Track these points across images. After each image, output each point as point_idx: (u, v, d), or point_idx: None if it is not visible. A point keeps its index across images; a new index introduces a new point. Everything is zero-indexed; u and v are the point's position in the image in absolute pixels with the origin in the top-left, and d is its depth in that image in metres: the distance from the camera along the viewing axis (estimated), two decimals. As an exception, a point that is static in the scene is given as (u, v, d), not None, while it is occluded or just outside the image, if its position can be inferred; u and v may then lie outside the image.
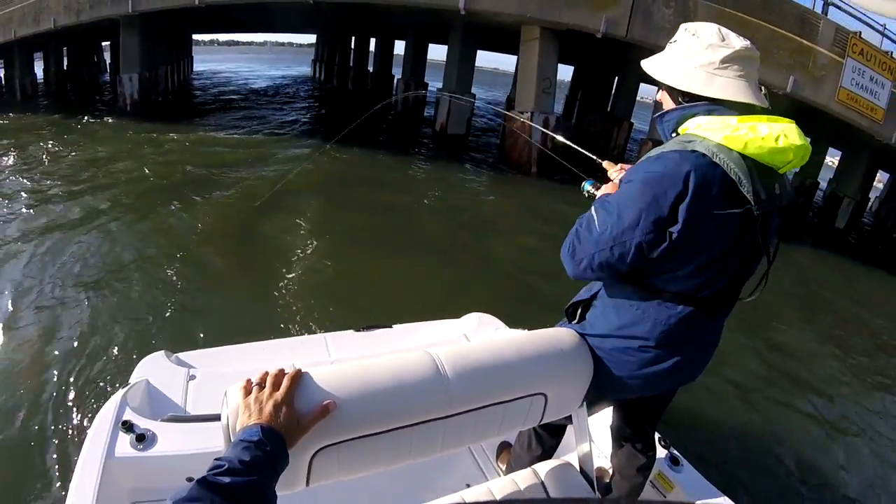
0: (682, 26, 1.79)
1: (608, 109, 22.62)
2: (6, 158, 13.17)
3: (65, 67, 29.50)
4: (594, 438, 2.21)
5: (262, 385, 1.41)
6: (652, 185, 1.65)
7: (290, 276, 7.19)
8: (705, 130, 1.65)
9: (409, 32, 24.80)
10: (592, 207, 1.82)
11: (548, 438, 2.44)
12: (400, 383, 1.57)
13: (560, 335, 1.90)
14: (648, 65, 1.85)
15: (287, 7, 19.07)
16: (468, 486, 2.52)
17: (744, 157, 1.60)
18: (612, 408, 2.28)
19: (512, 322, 3.48)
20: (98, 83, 31.61)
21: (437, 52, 22.44)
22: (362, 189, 11.94)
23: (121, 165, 12.75)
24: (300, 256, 7.94)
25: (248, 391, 1.40)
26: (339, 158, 14.04)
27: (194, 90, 31.70)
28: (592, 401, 2.00)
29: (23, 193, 10.50)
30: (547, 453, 2.45)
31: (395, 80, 26.92)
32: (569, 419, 2.12)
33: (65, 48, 29.01)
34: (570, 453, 2.41)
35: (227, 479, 1.09)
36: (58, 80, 28.12)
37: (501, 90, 37.36)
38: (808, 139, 1.65)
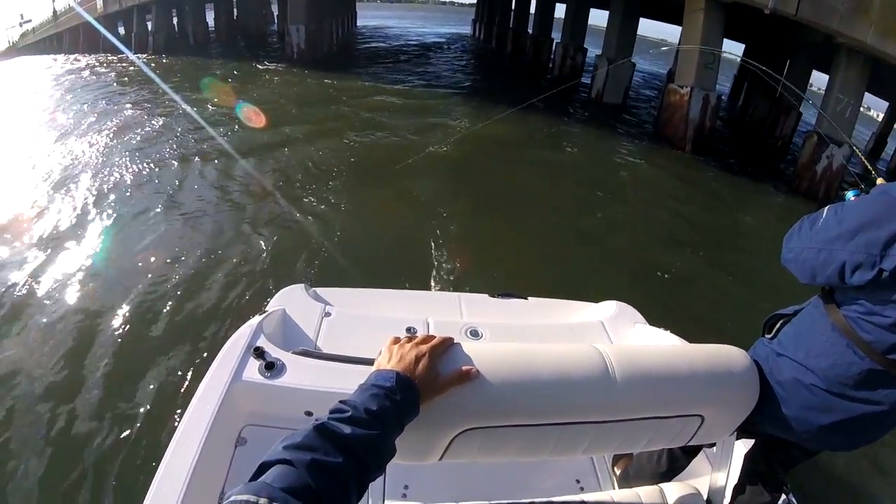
0: None
1: (777, 94, 21.15)
2: (179, 95, 14.60)
3: (234, 18, 31.64)
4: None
5: (411, 338, 1.38)
6: (881, 205, 1.51)
7: (431, 231, 7.40)
8: None
9: (572, -6, 24.20)
10: (829, 205, 1.69)
11: (680, 457, 2.29)
12: (566, 377, 1.48)
13: (732, 355, 1.75)
14: None
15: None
16: (578, 482, 2.49)
17: None
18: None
19: (651, 315, 3.29)
20: (265, 33, 33.66)
21: (599, 18, 21.84)
22: (510, 150, 12.03)
23: (287, 107, 13.66)
24: (440, 214, 8.14)
25: (396, 340, 1.37)
26: (485, 116, 14.12)
27: (357, 43, 33.14)
28: (743, 429, 1.85)
29: (196, 126, 11.55)
30: (674, 472, 2.31)
31: (554, 44, 26.48)
32: (711, 443, 2.00)
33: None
34: (696, 472, 2.32)
35: (347, 430, 1.03)
36: (228, 29, 30.26)
37: (665, 62, 35.95)
38: None
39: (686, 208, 10.74)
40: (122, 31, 28.52)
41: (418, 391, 1.25)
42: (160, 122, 12.40)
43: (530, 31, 30.98)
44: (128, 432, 3.84)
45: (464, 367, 1.37)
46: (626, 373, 1.52)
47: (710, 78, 14.66)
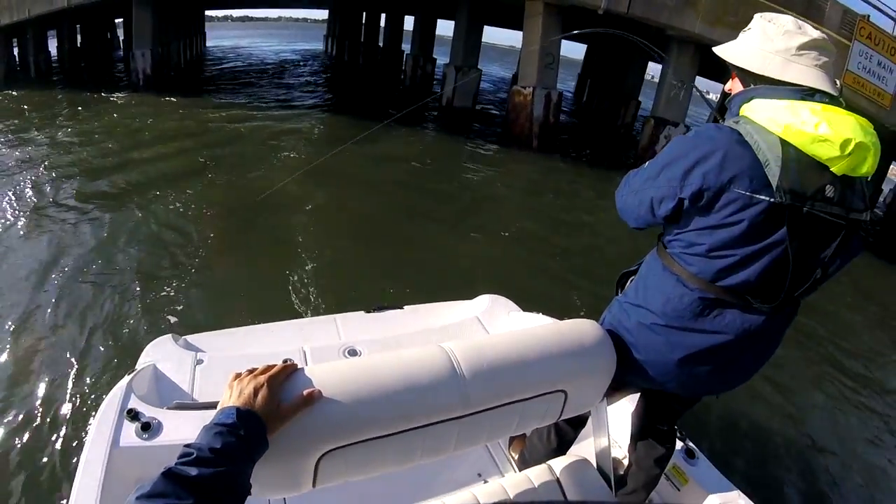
0: (757, 15, 1.73)
1: (619, 88, 22.58)
2: (17, 134, 13.28)
3: (78, 45, 30.03)
4: (613, 427, 2.15)
5: (252, 371, 1.36)
6: (679, 145, 1.66)
7: (299, 254, 7.18)
8: (753, 111, 1.60)
9: (418, 7, 24.87)
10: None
11: (568, 431, 2.37)
12: (412, 382, 1.49)
13: (582, 327, 1.81)
14: (722, 50, 1.79)
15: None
16: (480, 475, 2.54)
17: (784, 143, 1.50)
18: (634, 395, 2.25)
19: (523, 302, 3.36)
20: (112, 59, 31.94)
21: (447, 28, 22.51)
22: (368, 164, 11.92)
23: (129, 142, 12.83)
24: (307, 236, 7.95)
25: (237, 376, 1.35)
26: (344, 133, 14.08)
27: (208, 65, 31.98)
28: (614, 387, 1.90)
29: (29, 169, 10.57)
30: (565, 445, 2.38)
31: (405, 56, 26.95)
32: (586, 412, 2.06)
33: (78, 26, 29.59)
34: (586, 441, 2.36)
35: (194, 471, 1.03)
36: (72, 58, 28.57)
37: (513, 67, 37.33)
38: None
39: (538, 201, 11.24)
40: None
41: (263, 422, 1.24)
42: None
43: (381, 44, 31.39)
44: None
45: (305, 392, 1.35)
46: (473, 366, 1.55)
47: (551, 77, 15.37)
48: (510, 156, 14.75)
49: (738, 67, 1.73)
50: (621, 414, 2.34)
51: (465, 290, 3.66)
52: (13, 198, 8.95)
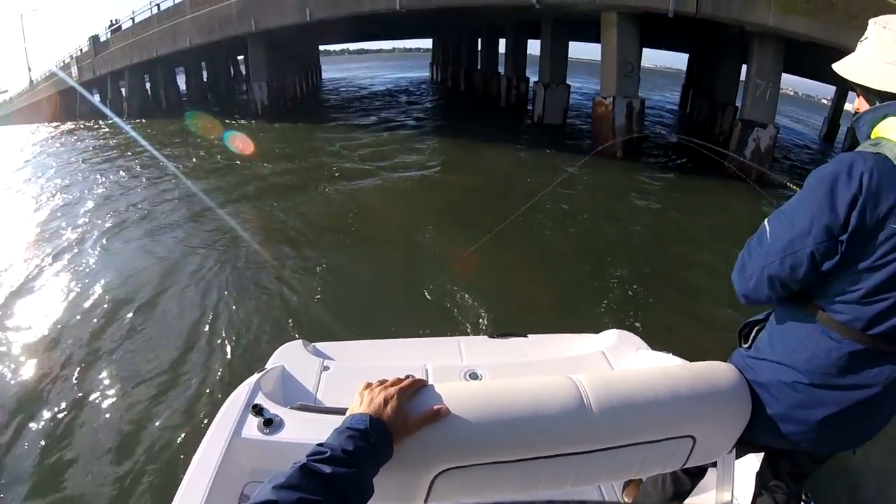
0: (872, 21, 1.57)
1: (715, 94, 22.24)
2: (147, 157, 15.76)
3: (204, 79, 33.71)
4: (736, 483, 1.99)
5: (382, 382, 1.41)
6: (823, 184, 1.47)
7: (410, 274, 7.45)
8: (890, 131, 1.46)
9: (508, 30, 25.73)
10: (766, 219, 1.64)
11: (685, 481, 2.18)
12: (539, 410, 1.47)
13: (717, 371, 1.72)
14: (840, 66, 1.64)
15: (383, 17, 20.18)
16: None
17: None
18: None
19: (653, 341, 3.17)
20: (234, 92, 35.59)
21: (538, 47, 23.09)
22: (458, 187, 12.31)
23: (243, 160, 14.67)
24: (408, 253, 8.24)
25: (367, 386, 1.40)
26: (445, 154, 15.07)
27: (323, 95, 35.09)
28: (742, 443, 1.77)
29: (164, 186, 12.52)
30: (681, 496, 2.21)
31: (501, 77, 27.80)
32: (713, 462, 1.91)
33: (203, 63, 33.46)
34: (704, 495, 2.23)
35: (328, 469, 1.08)
36: (198, 91, 32.41)
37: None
38: None
39: (622, 216, 11.01)
40: (97, 98, 30.12)
41: (390, 432, 1.28)
42: (142, 179, 13.31)
43: (479, 67, 32.44)
44: (127, 494, 3.78)
45: (434, 407, 1.39)
46: (602, 401, 1.51)
47: (631, 86, 15.55)
48: (597, 169, 14.56)
49: (859, 84, 1.60)
50: (744, 469, 2.12)
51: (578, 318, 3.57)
52: (149, 202, 11.04)
